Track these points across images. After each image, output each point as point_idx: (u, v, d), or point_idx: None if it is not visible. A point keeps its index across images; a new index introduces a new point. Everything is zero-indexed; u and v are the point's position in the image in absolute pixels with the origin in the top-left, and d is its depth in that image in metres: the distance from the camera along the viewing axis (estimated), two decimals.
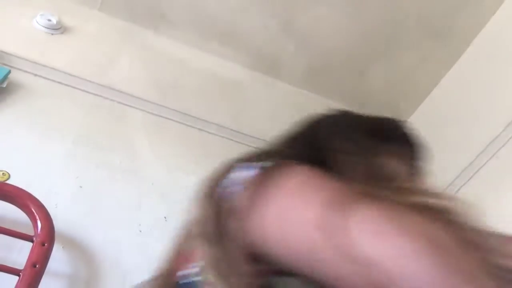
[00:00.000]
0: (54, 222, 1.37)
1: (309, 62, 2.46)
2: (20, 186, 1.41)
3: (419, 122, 2.62)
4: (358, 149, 0.76)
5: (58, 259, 1.42)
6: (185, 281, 0.62)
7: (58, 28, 2.05)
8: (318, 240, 0.50)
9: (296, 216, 0.54)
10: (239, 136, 2.10)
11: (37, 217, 1.34)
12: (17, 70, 1.81)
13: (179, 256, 0.68)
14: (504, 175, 2.03)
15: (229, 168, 0.65)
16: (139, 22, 2.30)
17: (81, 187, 1.65)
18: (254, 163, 0.63)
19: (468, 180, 2.18)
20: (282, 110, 2.32)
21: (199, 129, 2.05)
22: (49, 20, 2.02)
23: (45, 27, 2.02)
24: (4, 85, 1.71)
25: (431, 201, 0.54)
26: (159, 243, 0.89)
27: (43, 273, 1.27)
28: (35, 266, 1.25)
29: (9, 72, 1.75)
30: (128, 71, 2.10)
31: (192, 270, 0.61)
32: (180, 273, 0.63)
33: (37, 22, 2.02)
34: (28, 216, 1.36)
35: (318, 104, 2.52)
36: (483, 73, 2.30)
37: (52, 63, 1.91)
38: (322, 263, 0.50)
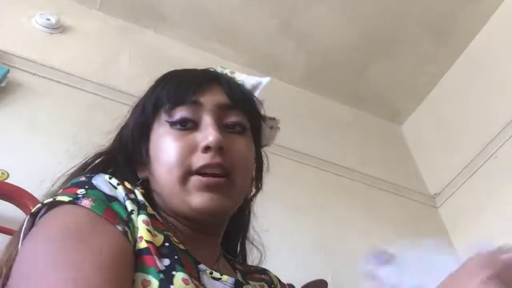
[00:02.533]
0: None
1: (308, 62, 2.46)
2: (19, 185, 1.40)
3: (418, 121, 2.62)
4: None
5: None
6: None
7: (57, 28, 2.05)
8: None
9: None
10: None
11: None
12: (16, 69, 1.80)
13: None
14: (502, 175, 2.03)
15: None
16: (138, 21, 2.30)
17: None
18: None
19: (467, 179, 2.18)
20: (281, 110, 2.31)
21: None
22: (48, 19, 2.02)
23: (44, 27, 2.01)
24: (3, 84, 1.71)
25: None
26: None
27: None
28: None
29: (8, 71, 1.74)
30: (128, 70, 2.09)
31: None
32: None
33: (36, 21, 2.01)
34: (27, 215, 1.36)
35: (318, 104, 2.51)
36: (482, 73, 2.30)
37: (51, 62, 1.90)
38: None
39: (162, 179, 0.70)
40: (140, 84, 2.20)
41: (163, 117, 0.72)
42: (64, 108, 1.82)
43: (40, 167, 1.61)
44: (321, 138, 2.33)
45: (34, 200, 1.37)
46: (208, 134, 0.67)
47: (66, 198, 0.60)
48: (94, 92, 1.92)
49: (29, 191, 1.40)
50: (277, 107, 2.50)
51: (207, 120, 0.70)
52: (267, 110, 2.46)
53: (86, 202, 0.59)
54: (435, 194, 2.34)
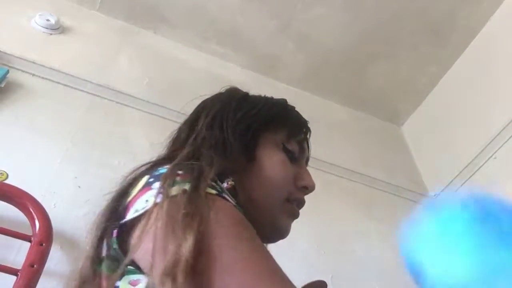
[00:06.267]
0: (52, 222, 1.37)
1: (308, 63, 2.46)
2: (18, 186, 1.40)
3: (418, 122, 2.62)
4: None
5: (56, 259, 1.42)
6: None
7: (57, 28, 2.05)
8: None
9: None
10: None
11: (35, 217, 1.34)
12: (16, 70, 1.81)
13: None
14: (502, 176, 2.03)
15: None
16: (138, 22, 2.30)
17: (79, 187, 1.64)
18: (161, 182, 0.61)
19: (467, 180, 2.18)
20: None
21: None
22: (48, 20, 2.02)
23: (44, 27, 2.02)
24: (2, 85, 1.71)
25: None
26: None
27: (41, 273, 1.26)
28: (32, 266, 1.24)
29: (7, 72, 1.74)
30: (127, 71, 2.09)
31: None
32: None
33: (35, 22, 2.01)
34: (26, 216, 1.36)
35: (317, 105, 2.51)
36: (482, 74, 2.30)
37: (51, 63, 1.90)
38: None
39: (265, 186, 0.77)
40: (139, 85, 2.23)
41: (280, 137, 0.82)
42: (63, 108, 1.82)
43: (40, 168, 1.61)
44: (320, 139, 2.31)
45: (33, 201, 1.37)
46: (309, 178, 0.82)
47: (214, 191, 0.61)
48: (94, 93, 1.92)
49: (29, 191, 1.40)
50: None
51: (305, 166, 0.85)
52: None
53: (228, 198, 0.61)
54: (435, 195, 2.34)
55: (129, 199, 0.64)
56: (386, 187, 2.28)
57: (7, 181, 1.48)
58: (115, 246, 0.61)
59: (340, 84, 2.53)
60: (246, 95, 0.88)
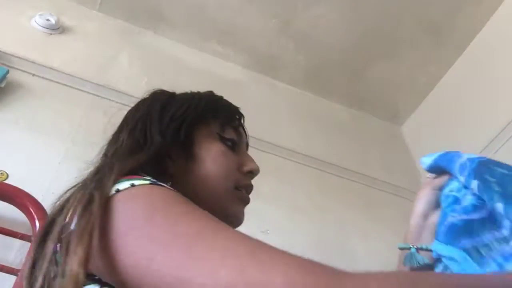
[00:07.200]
0: None
1: (308, 62, 2.46)
2: (19, 186, 1.40)
3: (418, 122, 2.62)
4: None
5: None
6: None
7: (57, 28, 2.05)
8: None
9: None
10: None
11: (35, 217, 1.34)
12: (16, 69, 1.81)
13: None
14: None
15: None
16: (138, 22, 2.30)
17: None
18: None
19: None
20: (281, 111, 2.31)
21: None
22: (48, 20, 2.02)
23: (44, 27, 2.02)
24: (3, 84, 1.71)
25: None
26: None
27: None
28: None
29: (8, 72, 1.74)
30: (127, 71, 2.09)
31: None
32: None
33: (36, 22, 2.02)
34: (26, 215, 1.36)
35: (317, 105, 2.51)
36: (482, 73, 2.30)
37: (51, 63, 1.90)
38: None
39: (210, 181, 0.76)
40: (139, 85, 2.22)
41: (214, 128, 0.80)
42: (63, 108, 1.82)
43: (40, 167, 1.61)
44: (320, 139, 2.33)
45: (34, 201, 1.37)
46: (253, 162, 0.82)
47: (146, 182, 0.59)
48: (94, 92, 1.92)
49: (29, 192, 1.40)
50: (276, 108, 2.51)
51: (246, 151, 0.86)
52: (266, 110, 2.46)
53: (162, 184, 0.60)
54: None
55: (69, 214, 0.63)
56: (386, 187, 2.28)
57: (7, 181, 1.48)
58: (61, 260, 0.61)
59: (340, 84, 2.53)
60: (171, 96, 0.87)
